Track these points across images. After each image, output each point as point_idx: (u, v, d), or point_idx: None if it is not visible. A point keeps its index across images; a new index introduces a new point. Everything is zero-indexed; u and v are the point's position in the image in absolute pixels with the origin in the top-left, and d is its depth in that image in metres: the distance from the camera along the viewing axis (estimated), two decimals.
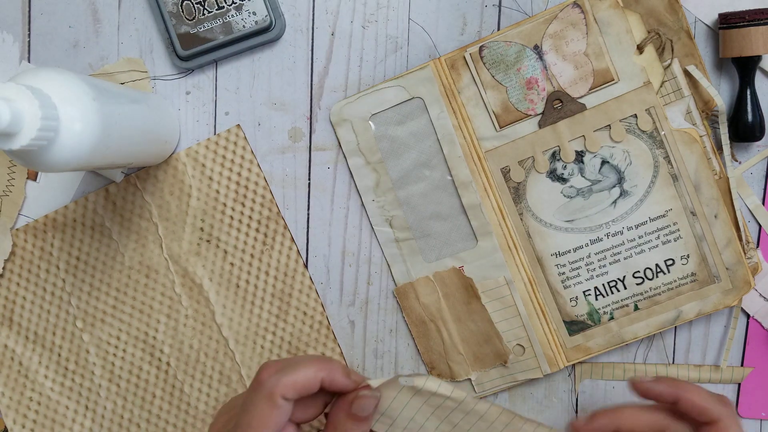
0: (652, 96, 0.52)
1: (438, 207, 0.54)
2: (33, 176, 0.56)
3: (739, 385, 0.56)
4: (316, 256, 0.56)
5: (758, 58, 0.52)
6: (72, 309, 0.56)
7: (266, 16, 0.53)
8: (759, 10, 0.51)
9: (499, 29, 0.54)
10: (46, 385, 0.57)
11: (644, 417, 0.43)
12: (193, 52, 0.54)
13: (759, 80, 0.54)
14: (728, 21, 0.51)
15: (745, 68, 0.52)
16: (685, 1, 0.53)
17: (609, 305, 0.54)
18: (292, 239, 0.56)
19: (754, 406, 0.56)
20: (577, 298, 0.54)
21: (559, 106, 0.53)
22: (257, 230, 0.55)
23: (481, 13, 0.54)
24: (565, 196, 0.53)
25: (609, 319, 0.54)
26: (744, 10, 0.51)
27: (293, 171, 0.56)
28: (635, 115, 0.52)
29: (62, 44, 0.56)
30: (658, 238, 0.53)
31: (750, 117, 0.52)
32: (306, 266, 0.56)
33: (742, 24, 0.50)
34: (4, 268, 0.56)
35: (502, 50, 0.53)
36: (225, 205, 0.55)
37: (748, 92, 0.52)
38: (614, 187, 0.53)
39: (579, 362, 0.56)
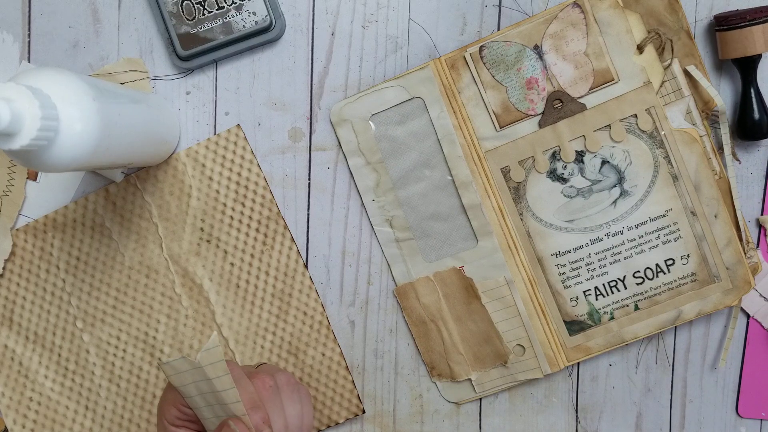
0: (652, 96, 0.52)
1: (438, 207, 0.54)
2: (33, 176, 0.56)
3: (739, 385, 0.56)
4: (316, 256, 0.56)
5: (759, 56, 0.52)
6: (72, 309, 0.56)
7: (266, 16, 0.53)
8: (757, 9, 0.50)
9: (499, 29, 0.54)
10: (46, 385, 0.57)
11: None
12: (193, 52, 0.54)
13: (760, 78, 0.54)
14: (728, 22, 0.51)
15: (746, 68, 0.52)
16: (685, 1, 0.53)
17: (609, 305, 0.54)
18: (292, 239, 0.56)
19: (754, 406, 0.56)
20: (577, 298, 0.54)
21: (559, 106, 0.53)
22: (257, 230, 0.55)
23: (481, 13, 0.54)
24: (565, 196, 0.53)
25: (609, 319, 0.54)
26: (743, 10, 0.51)
27: (293, 171, 0.56)
28: (635, 115, 0.52)
29: (62, 44, 0.56)
30: (658, 237, 0.53)
31: (757, 114, 0.52)
32: (306, 266, 0.56)
33: (743, 24, 0.50)
34: (4, 268, 0.56)
35: (502, 50, 0.53)
36: (225, 205, 0.55)
37: (752, 90, 0.52)
38: (614, 186, 0.53)
39: (579, 362, 0.56)
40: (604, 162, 0.53)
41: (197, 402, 0.42)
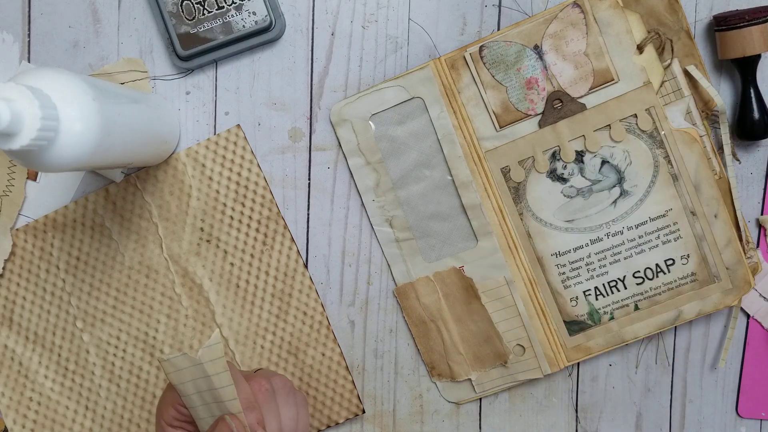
0: (652, 96, 0.52)
1: (438, 207, 0.54)
2: (33, 176, 0.56)
3: (739, 385, 0.56)
4: (316, 256, 0.56)
5: (758, 56, 0.52)
6: (72, 309, 0.56)
7: (266, 16, 0.53)
8: (756, 9, 0.50)
9: (499, 29, 0.54)
10: (46, 385, 0.57)
11: None
12: (193, 52, 0.54)
13: (759, 78, 0.54)
14: (727, 22, 0.51)
15: (746, 68, 0.52)
16: (685, 1, 0.53)
17: (609, 305, 0.54)
18: (292, 239, 0.56)
19: (754, 406, 0.56)
20: (577, 298, 0.54)
21: (559, 105, 0.53)
22: (257, 230, 0.55)
23: (481, 13, 0.54)
24: (565, 196, 0.53)
25: (609, 319, 0.54)
26: (742, 10, 0.51)
27: (293, 171, 0.56)
28: (635, 115, 0.52)
29: (62, 44, 0.56)
30: (658, 237, 0.53)
31: (757, 114, 0.52)
32: (306, 266, 0.56)
33: (742, 24, 0.50)
34: (4, 268, 0.56)
35: (502, 50, 0.53)
36: (225, 205, 0.55)
37: (752, 90, 0.52)
38: (614, 186, 0.53)
39: (579, 362, 0.56)
40: (604, 162, 0.53)
41: (194, 401, 0.42)
